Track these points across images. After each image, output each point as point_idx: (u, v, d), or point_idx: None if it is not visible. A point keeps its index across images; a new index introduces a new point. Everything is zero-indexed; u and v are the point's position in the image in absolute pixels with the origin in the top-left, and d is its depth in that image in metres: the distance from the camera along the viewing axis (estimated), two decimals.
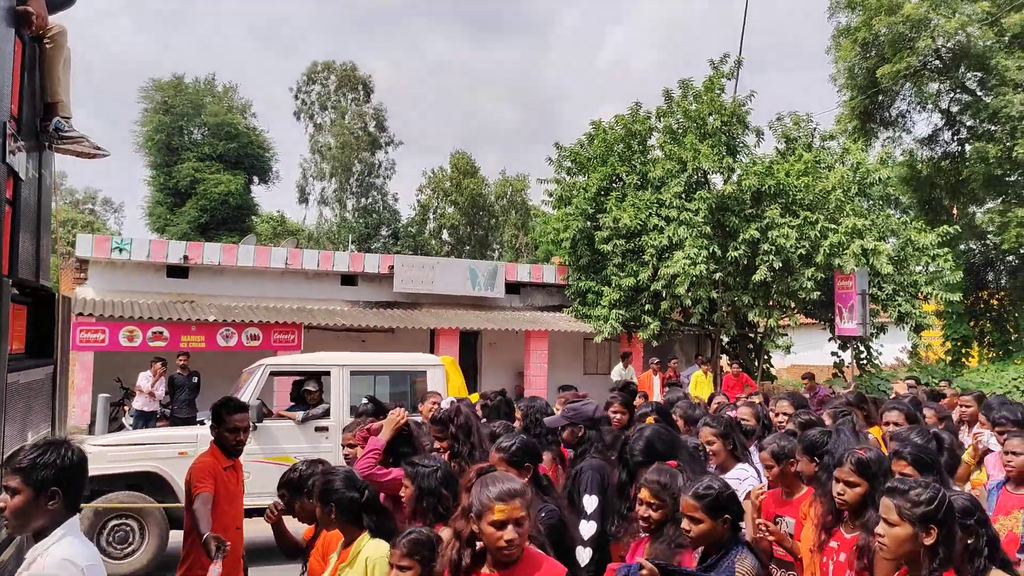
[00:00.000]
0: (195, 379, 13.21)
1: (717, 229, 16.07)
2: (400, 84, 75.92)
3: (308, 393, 9.22)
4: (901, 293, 16.33)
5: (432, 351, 16.78)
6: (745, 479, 4.38)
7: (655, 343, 17.36)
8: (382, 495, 4.13)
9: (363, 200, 41.75)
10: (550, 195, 18.89)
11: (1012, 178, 19.73)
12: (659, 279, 15.92)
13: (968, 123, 21.55)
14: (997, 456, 4.92)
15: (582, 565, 3.71)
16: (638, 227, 16.35)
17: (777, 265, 15.08)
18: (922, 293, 16.74)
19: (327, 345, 14.91)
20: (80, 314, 13.74)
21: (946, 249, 16.60)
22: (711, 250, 15.40)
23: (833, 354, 17.79)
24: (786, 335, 17.78)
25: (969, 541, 2.75)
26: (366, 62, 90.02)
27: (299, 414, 8.87)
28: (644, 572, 2.79)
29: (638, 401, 7.09)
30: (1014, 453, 4.21)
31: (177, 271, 16.01)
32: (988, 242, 22.21)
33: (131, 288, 15.54)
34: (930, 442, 3.96)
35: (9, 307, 3.50)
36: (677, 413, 5.67)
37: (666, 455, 3.62)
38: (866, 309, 15.09)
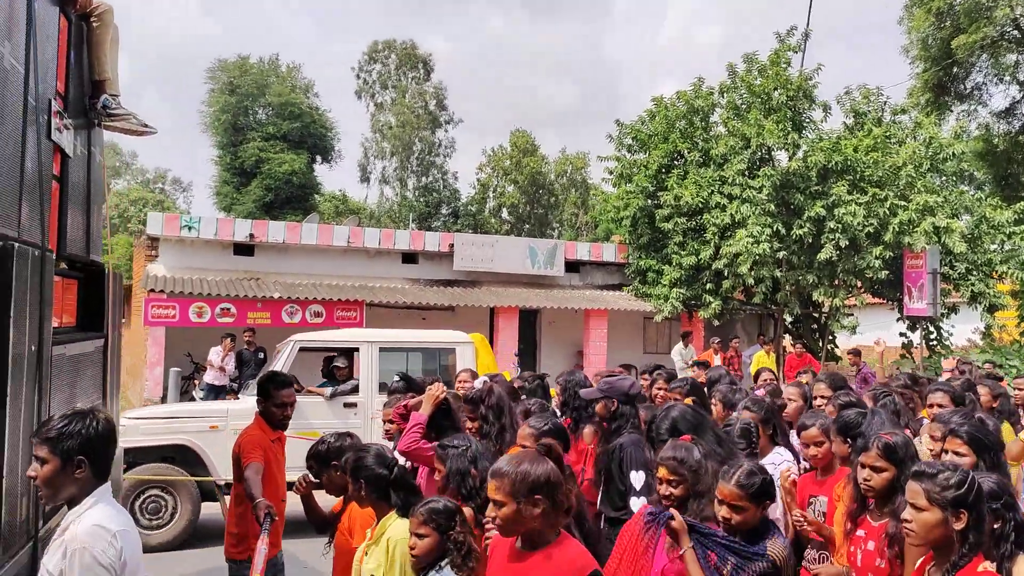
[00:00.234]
0: (261, 355, 13.43)
1: (781, 207, 15.80)
2: (459, 62, 76.06)
3: (337, 369, 9.33)
4: (975, 272, 15.87)
5: (492, 329, 16.88)
6: (780, 463, 4.33)
7: (716, 322, 17.16)
8: (425, 469, 4.19)
9: (423, 179, 41.97)
10: (610, 173, 18.69)
11: None
12: (721, 258, 15.72)
13: None
14: None
15: None
16: (700, 205, 16.15)
17: (843, 243, 14.82)
18: (996, 272, 16.21)
19: (388, 323, 15.12)
20: (152, 290, 14.18)
21: (1023, 227, 16.02)
22: (775, 228, 15.17)
23: (901, 335, 17.33)
24: (852, 315, 17.37)
25: (996, 525, 2.66)
26: (425, 40, 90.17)
27: (328, 390, 8.93)
28: (675, 523, 2.85)
29: (696, 371, 7.01)
30: None
31: (243, 249, 16.32)
32: None
33: (200, 265, 15.90)
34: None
35: (52, 282, 3.54)
36: (716, 397, 5.60)
37: (691, 435, 3.59)
38: (936, 288, 14.70)
